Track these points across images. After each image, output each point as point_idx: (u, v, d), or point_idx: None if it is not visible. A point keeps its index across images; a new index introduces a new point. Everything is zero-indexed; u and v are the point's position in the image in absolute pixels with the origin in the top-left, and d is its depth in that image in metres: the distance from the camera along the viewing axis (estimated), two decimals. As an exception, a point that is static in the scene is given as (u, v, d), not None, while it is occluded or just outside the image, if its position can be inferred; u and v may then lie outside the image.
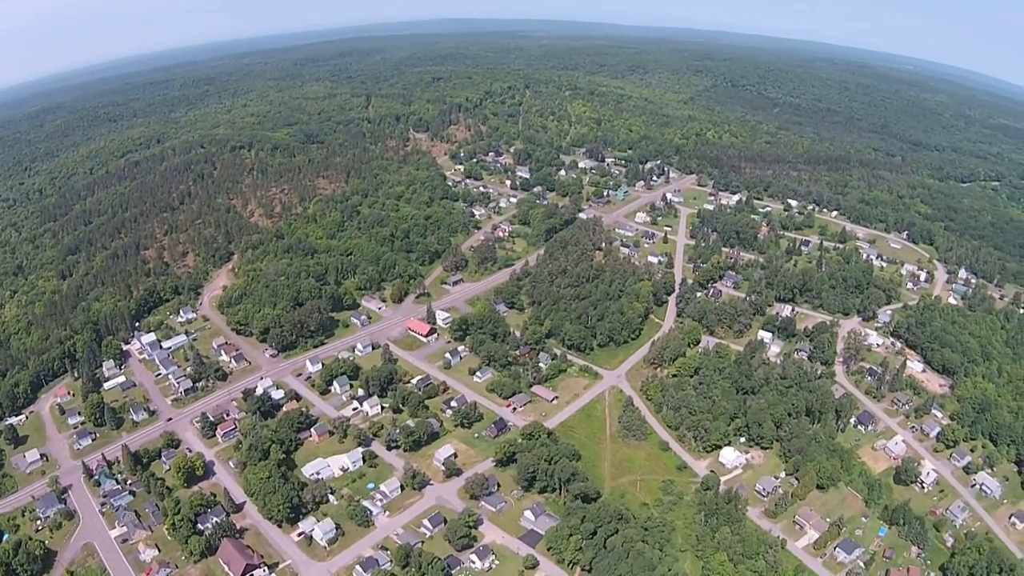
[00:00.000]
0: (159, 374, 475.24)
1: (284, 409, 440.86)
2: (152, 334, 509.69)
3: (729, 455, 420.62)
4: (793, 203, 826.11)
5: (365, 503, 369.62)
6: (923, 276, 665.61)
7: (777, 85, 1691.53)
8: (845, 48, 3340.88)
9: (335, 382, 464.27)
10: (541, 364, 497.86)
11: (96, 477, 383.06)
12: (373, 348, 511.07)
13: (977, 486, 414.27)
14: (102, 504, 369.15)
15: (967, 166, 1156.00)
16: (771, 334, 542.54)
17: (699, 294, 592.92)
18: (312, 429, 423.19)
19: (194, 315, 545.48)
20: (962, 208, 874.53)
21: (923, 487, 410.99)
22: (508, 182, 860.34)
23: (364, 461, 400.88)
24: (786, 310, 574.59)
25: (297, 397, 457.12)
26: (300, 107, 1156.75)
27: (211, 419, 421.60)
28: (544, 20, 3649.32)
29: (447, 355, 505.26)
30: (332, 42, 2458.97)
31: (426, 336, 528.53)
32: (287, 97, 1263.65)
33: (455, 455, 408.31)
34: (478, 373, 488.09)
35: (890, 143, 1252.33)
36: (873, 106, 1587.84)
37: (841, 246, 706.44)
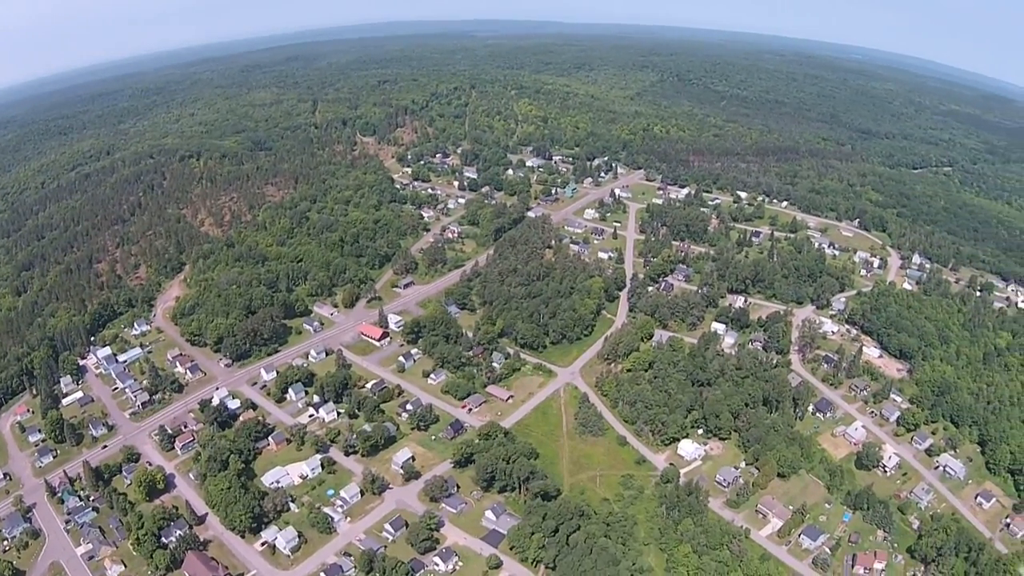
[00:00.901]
0: (116, 388, 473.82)
1: (241, 419, 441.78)
2: (108, 348, 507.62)
3: (687, 447, 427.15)
4: (743, 195, 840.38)
5: (326, 510, 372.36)
6: (876, 263, 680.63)
7: (724, 78, 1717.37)
8: (792, 40, 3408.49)
9: (290, 389, 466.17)
10: (495, 364, 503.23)
11: (59, 494, 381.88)
12: (327, 354, 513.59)
13: (940, 468, 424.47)
14: (67, 521, 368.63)
15: (918, 153, 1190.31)
16: (725, 325, 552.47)
17: (650, 288, 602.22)
18: (270, 438, 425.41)
19: (148, 327, 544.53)
20: (914, 194, 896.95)
21: (885, 471, 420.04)
22: (456, 183, 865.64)
23: (323, 468, 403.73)
24: (739, 301, 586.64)
25: (253, 406, 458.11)
26: (247, 114, 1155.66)
27: (169, 431, 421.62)
28: (489, 20, 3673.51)
29: (400, 358, 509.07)
30: (278, 48, 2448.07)
31: (379, 340, 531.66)
32: (234, 105, 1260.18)
33: (413, 458, 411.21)
34: (432, 375, 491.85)
35: (839, 132, 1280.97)
36: (821, 96, 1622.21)
37: (792, 236, 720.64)
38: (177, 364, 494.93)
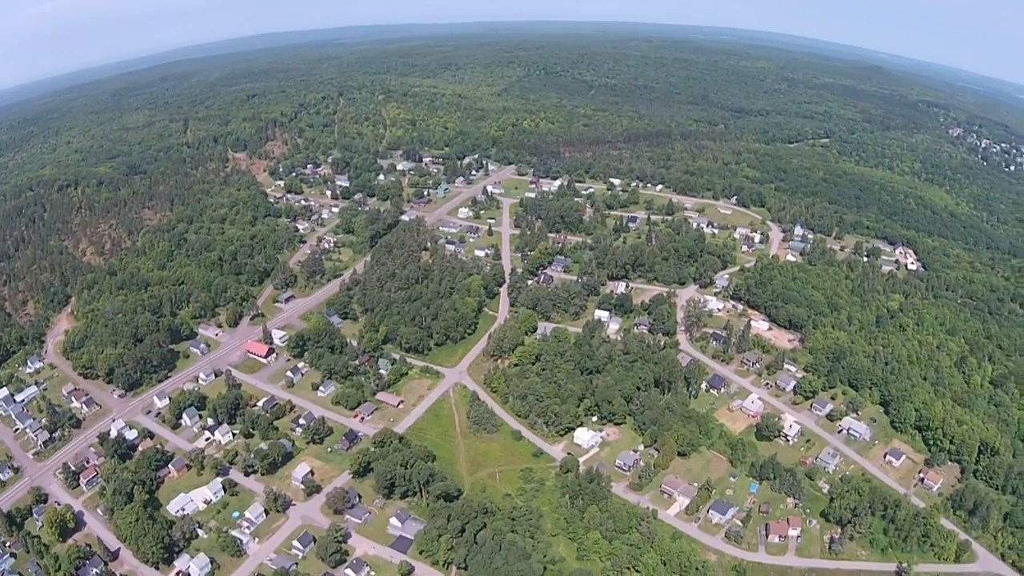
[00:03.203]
0: (17, 429, 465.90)
1: (140, 449, 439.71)
2: (5, 388, 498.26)
3: (583, 435, 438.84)
4: (616, 182, 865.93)
5: (234, 533, 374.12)
6: (758, 238, 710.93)
7: (592, 68, 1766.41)
8: (659, 25, 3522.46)
9: (184, 415, 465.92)
10: (382, 371, 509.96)
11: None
12: (216, 375, 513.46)
13: (844, 431, 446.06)
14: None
15: (793, 127, 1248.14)
16: (608, 312, 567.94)
17: (530, 282, 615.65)
18: (170, 465, 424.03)
19: (41, 364, 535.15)
20: (791, 168, 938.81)
21: (788, 440, 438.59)
22: (328, 192, 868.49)
23: (225, 491, 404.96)
24: (620, 287, 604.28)
25: (151, 435, 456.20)
26: (121, 138, 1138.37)
27: (73, 468, 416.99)
28: (355, 27, 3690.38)
29: (288, 373, 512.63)
30: (149, 69, 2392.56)
31: (265, 357, 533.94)
32: (108, 130, 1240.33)
33: (312, 472, 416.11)
34: (321, 388, 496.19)
35: (712, 113, 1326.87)
36: (691, 79, 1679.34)
37: (669, 218, 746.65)
38: (73, 399, 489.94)
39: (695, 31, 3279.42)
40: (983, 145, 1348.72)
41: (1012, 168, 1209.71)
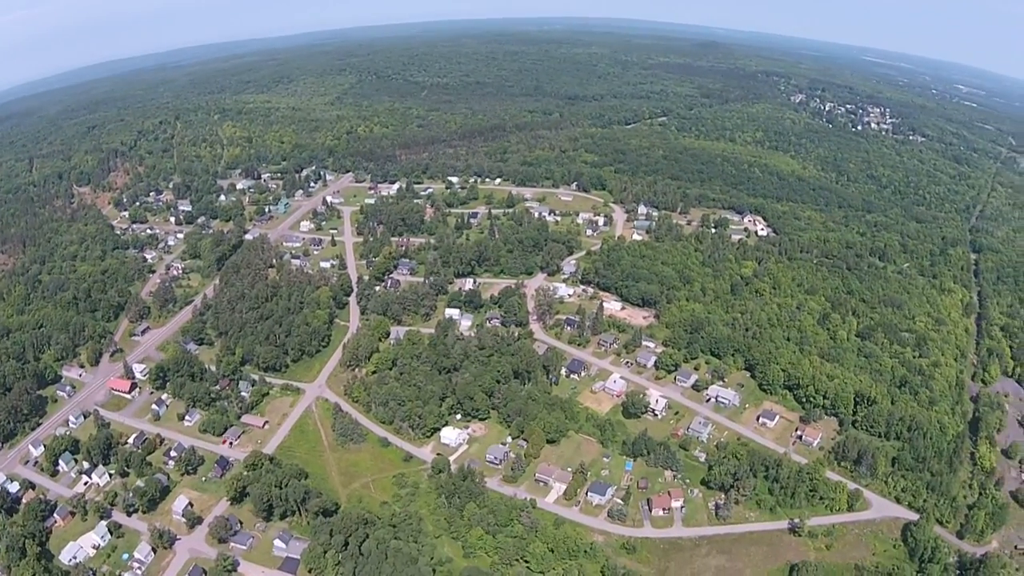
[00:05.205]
0: None
1: (24, 500, 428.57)
2: None
3: (450, 434, 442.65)
4: (454, 179, 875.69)
5: (127, 575, 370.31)
6: (601, 221, 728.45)
7: (423, 69, 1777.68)
8: (489, 20, 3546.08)
9: (60, 460, 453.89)
10: (243, 393, 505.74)
11: None
12: (85, 417, 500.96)
13: (712, 400, 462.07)
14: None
15: (629, 108, 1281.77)
16: (458, 310, 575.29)
17: (378, 288, 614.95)
18: (55, 514, 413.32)
19: None
20: (630, 148, 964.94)
21: (656, 415, 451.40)
22: (172, 219, 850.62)
23: (111, 533, 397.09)
24: (468, 284, 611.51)
25: (32, 485, 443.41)
26: None
27: None
28: (190, 47, 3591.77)
29: (153, 406, 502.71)
30: None
31: (129, 392, 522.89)
32: None
33: (191, 504, 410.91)
34: (187, 417, 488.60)
35: (546, 102, 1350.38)
36: (523, 71, 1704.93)
37: (511, 210, 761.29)
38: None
39: (526, 23, 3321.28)
40: (827, 108, 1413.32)
41: (859, 127, 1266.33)
